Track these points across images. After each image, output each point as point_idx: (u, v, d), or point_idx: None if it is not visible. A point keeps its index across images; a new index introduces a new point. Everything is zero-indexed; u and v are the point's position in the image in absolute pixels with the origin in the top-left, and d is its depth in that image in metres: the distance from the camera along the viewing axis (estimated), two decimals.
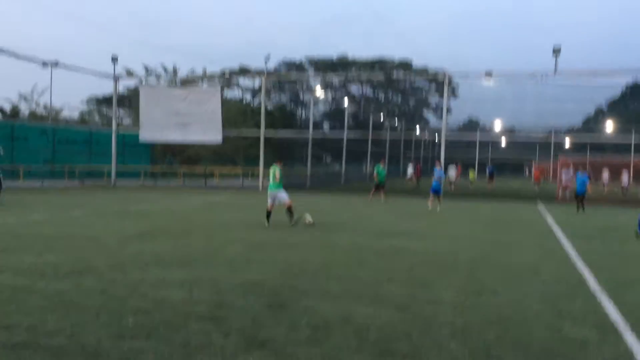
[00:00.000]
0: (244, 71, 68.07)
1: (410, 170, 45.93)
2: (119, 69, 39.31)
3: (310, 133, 43.87)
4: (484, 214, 20.28)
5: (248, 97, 77.90)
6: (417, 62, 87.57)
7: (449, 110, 50.74)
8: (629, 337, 5.45)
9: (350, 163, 52.23)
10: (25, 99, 45.81)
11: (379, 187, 24.66)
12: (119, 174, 36.59)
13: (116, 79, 36.86)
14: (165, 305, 6.17)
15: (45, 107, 43.84)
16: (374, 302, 6.52)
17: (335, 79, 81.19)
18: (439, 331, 5.47)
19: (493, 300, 6.83)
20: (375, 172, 25.35)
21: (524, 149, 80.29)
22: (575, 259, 10.12)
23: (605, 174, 40.60)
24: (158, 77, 51.06)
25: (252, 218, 15.92)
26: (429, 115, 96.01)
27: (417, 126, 78.07)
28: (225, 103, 43.14)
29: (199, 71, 54.90)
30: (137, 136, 36.36)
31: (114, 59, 34.85)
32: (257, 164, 35.19)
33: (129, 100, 52.66)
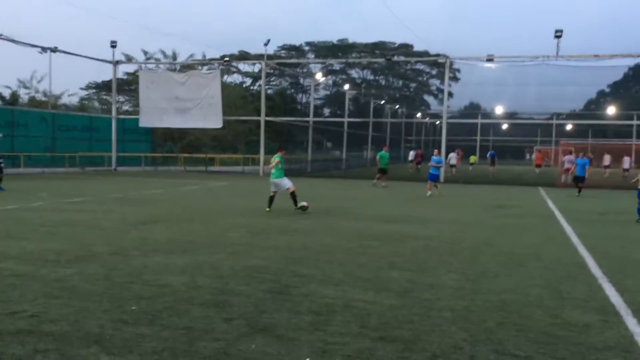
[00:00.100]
0: (243, 56, 67.79)
1: (411, 155, 45.89)
2: (118, 55, 39.14)
3: (311, 118, 43.76)
4: (485, 199, 20.28)
5: (248, 82, 77.63)
6: (418, 46, 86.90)
7: (450, 95, 50.58)
8: (630, 321, 5.47)
9: (351, 148, 52.16)
10: (24, 85, 45.70)
11: (382, 171, 24.68)
12: (120, 160, 36.59)
13: (115, 64, 36.71)
14: (167, 291, 6.19)
15: (44, 94, 43.70)
16: (375, 288, 6.54)
17: (336, 63, 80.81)
18: (440, 316, 5.49)
19: (494, 285, 6.85)
20: (377, 157, 25.35)
21: (525, 133, 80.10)
22: (576, 244, 10.14)
23: (607, 158, 40.56)
24: (157, 61, 50.79)
25: (253, 204, 15.93)
26: (430, 100, 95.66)
27: (419, 111, 77.89)
28: (225, 88, 42.96)
29: (198, 57, 54.69)
30: (137, 122, 36.30)
31: (113, 45, 34.67)
32: (258, 150, 35.15)
33: (129, 86, 52.48)
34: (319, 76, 51.39)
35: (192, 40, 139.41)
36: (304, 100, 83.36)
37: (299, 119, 48.68)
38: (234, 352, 4.42)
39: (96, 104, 58.70)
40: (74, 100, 52.85)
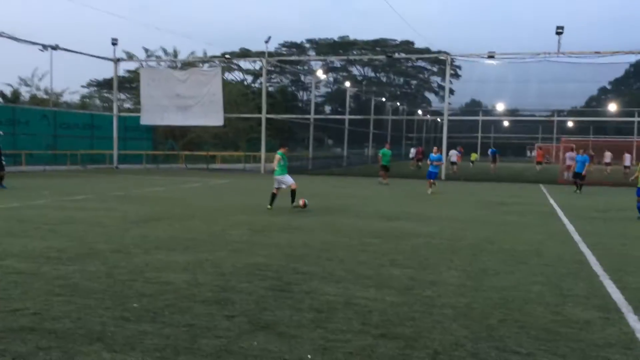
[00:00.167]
0: (244, 54, 67.73)
1: (412, 153, 45.91)
2: (120, 53, 39.13)
3: (312, 116, 43.75)
4: (486, 196, 20.28)
5: (249, 79, 77.62)
6: (419, 43, 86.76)
7: (451, 92, 50.55)
8: (631, 318, 5.48)
9: (352, 146, 52.15)
10: (25, 83, 45.68)
11: (384, 169, 24.72)
12: (121, 158, 36.61)
13: (116, 62, 36.71)
14: (169, 288, 6.21)
15: (46, 92, 43.72)
16: (377, 285, 6.55)
17: (337, 60, 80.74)
18: (441, 313, 5.50)
19: (495, 282, 6.86)
20: (379, 154, 25.37)
21: (526, 130, 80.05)
22: (577, 241, 10.14)
23: (608, 155, 40.52)
24: (158, 59, 50.77)
25: (254, 201, 15.95)
26: (431, 97, 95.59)
27: (420, 108, 77.83)
28: (226, 85, 42.96)
29: (199, 54, 54.65)
30: (138, 119, 36.30)
31: (114, 42, 34.66)
32: (259, 148, 35.15)
33: (130, 84, 52.48)
34: (320, 73, 51.32)
35: (193, 37, 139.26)
36: (305, 97, 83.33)
37: (300, 116, 48.71)
38: (235, 349, 4.43)
39: (97, 101, 58.66)
40: (75, 98, 52.87)
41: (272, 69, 69.21)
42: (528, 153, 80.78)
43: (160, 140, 45.57)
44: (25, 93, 45.92)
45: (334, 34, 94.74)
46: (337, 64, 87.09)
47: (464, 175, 32.39)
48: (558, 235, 10.83)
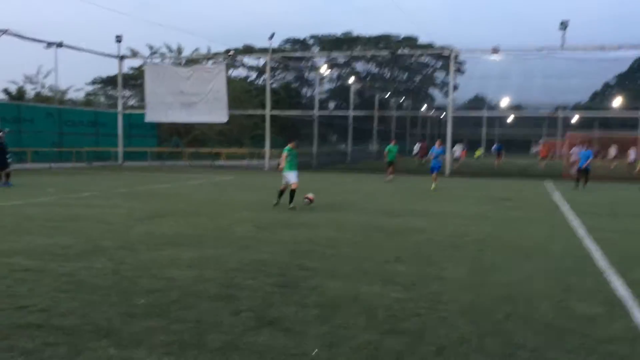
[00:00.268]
0: (248, 50, 67.71)
1: (416, 148, 45.85)
2: (124, 50, 39.18)
3: (316, 112, 43.71)
4: (491, 191, 20.25)
5: (253, 76, 77.60)
6: (423, 39, 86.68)
7: (455, 88, 50.44)
8: (636, 312, 5.48)
9: (356, 142, 52.08)
10: (30, 80, 45.76)
11: (391, 164, 24.65)
12: (126, 155, 36.68)
13: (121, 59, 36.76)
14: (175, 285, 6.23)
15: (50, 89, 43.80)
16: (382, 281, 6.56)
17: (340, 56, 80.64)
18: (446, 309, 5.51)
19: (501, 277, 6.86)
20: (385, 150, 25.29)
21: (531, 126, 79.75)
22: (583, 236, 10.13)
23: (613, 150, 40.41)
24: (162, 56, 50.81)
25: (259, 198, 15.97)
26: (435, 93, 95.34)
27: (424, 104, 77.64)
28: (230, 82, 42.90)
29: (203, 51, 54.65)
30: (143, 117, 36.37)
31: (119, 39, 34.69)
32: (263, 144, 35.15)
33: (134, 81, 52.53)
34: (324, 69, 51.18)
35: (197, 34, 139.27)
36: (309, 94, 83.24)
37: (304, 112, 48.59)
38: (241, 345, 4.45)
39: (102, 99, 58.76)
40: (80, 95, 52.99)
41: (276, 65, 69.15)
42: (532, 149, 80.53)
43: (165, 137, 45.61)
44: (30, 91, 46.01)
45: (337, 30, 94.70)
46: (341, 60, 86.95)
47: (469, 171, 32.34)
48: (563, 231, 10.81)
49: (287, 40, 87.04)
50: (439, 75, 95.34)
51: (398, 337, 4.68)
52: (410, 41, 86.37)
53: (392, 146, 25.15)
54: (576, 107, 66.40)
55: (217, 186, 21.07)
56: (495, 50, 30.11)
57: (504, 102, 57.16)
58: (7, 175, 18.74)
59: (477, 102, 79.36)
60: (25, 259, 7.44)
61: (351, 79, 58.20)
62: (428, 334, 4.79)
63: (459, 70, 66.81)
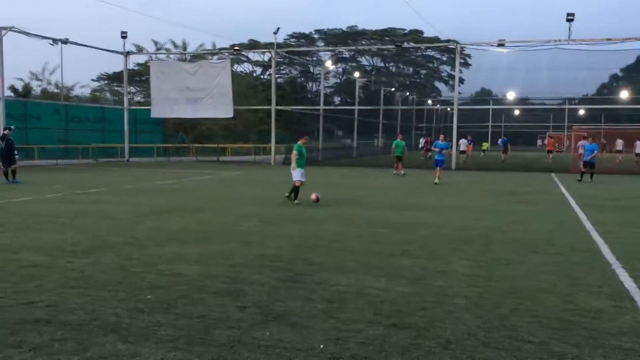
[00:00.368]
0: (253, 45, 67.67)
1: (421, 143, 45.76)
2: (129, 46, 39.22)
3: (322, 107, 43.68)
4: (497, 185, 20.20)
5: (258, 71, 77.61)
6: (429, 32, 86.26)
7: (461, 81, 50.26)
8: None
9: (362, 136, 52.05)
10: (36, 77, 45.94)
11: (398, 159, 24.54)
12: (132, 151, 36.79)
13: (126, 55, 36.82)
14: (182, 280, 6.26)
15: (57, 86, 43.95)
16: (388, 275, 6.57)
17: (345, 51, 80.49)
18: (453, 303, 5.50)
19: (507, 271, 6.85)
20: (393, 145, 25.17)
21: (537, 119, 79.44)
22: (589, 229, 10.09)
23: (619, 143, 40.19)
24: (167, 52, 50.84)
25: (265, 193, 15.99)
26: (441, 86, 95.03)
27: (430, 98, 77.43)
28: (236, 77, 42.95)
29: (208, 46, 54.67)
30: (148, 113, 36.45)
31: (124, 35, 34.74)
32: (269, 139, 35.17)
33: (140, 77, 52.62)
34: (329, 64, 51.22)
35: (202, 29, 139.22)
36: (314, 88, 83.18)
37: (309, 107, 48.63)
38: (248, 340, 4.47)
39: (108, 95, 58.94)
40: (86, 91, 53.12)
41: (281, 60, 69.16)
42: (539, 142, 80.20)
43: (171, 133, 45.71)
44: (36, 87, 46.22)
45: (342, 25, 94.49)
46: (346, 54, 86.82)
47: (475, 165, 32.26)
48: (569, 224, 10.78)
49: (292, 35, 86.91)
50: (445, 69, 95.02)
51: (404, 332, 4.69)
52: (415, 35, 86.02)
53: (399, 141, 25.00)
54: (583, 100, 65.99)
55: (223, 182, 21.11)
56: (501, 43, 29.98)
57: (510, 95, 56.92)
58: (14, 172, 18.84)
59: (484, 95, 79.11)
60: (33, 255, 7.49)
61: (356, 74, 58.10)
62: (434, 328, 4.79)
63: (465, 64, 66.59)
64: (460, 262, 7.28)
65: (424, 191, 17.58)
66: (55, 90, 43.49)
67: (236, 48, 44.25)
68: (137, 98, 53.22)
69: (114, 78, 58.61)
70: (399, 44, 48.20)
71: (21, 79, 45.53)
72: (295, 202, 13.39)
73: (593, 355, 4.25)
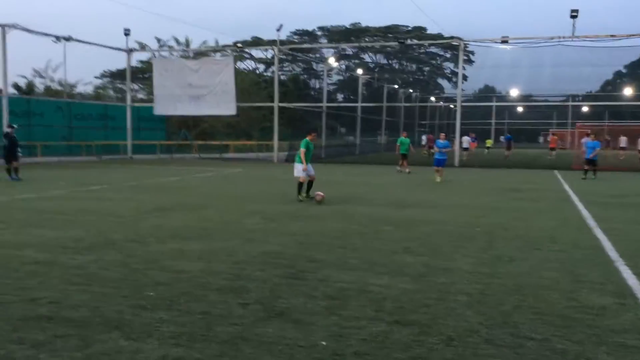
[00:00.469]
0: (256, 42, 67.65)
1: (424, 140, 45.72)
2: (132, 43, 39.27)
3: (324, 104, 43.66)
4: (500, 182, 20.16)
5: (261, 68, 77.54)
6: (432, 29, 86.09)
7: (464, 78, 50.16)
8: None
9: (365, 134, 51.99)
10: (39, 75, 45.97)
11: (403, 157, 24.44)
12: (135, 149, 36.83)
13: (129, 52, 36.83)
14: (184, 277, 6.26)
15: (60, 83, 43.99)
16: (390, 272, 6.56)
17: (348, 48, 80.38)
18: (455, 300, 5.50)
19: (510, 268, 6.84)
20: (398, 143, 25.06)
21: (541, 116, 79.26)
22: (592, 226, 10.07)
23: (623, 140, 40.07)
24: (170, 49, 50.85)
25: (268, 190, 16.00)
26: (444, 83, 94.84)
27: (433, 95, 77.27)
28: (238, 74, 42.92)
29: (211, 43, 54.62)
30: (151, 110, 36.48)
31: (127, 33, 34.75)
32: (272, 137, 35.16)
33: (143, 74, 52.64)
34: (332, 61, 51.16)
35: (205, 26, 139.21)
36: (317, 85, 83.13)
37: (312, 104, 48.58)
38: (250, 337, 4.47)
39: (111, 92, 58.97)
40: (89, 89, 53.17)
41: (284, 57, 69.07)
42: (541, 139, 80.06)
43: (174, 130, 45.73)
44: (39, 85, 46.24)
45: (345, 21, 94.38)
46: (349, 51, 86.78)
47: (477, 162, 32.21)
48: (572, 221, 10.76)
49: (295, 32, 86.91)
50: (448, 66, 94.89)
51: (406, 329, 4.69)
52: (419, 32, 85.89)
53: (403, 138, 24.87)
54: (587, 97, 65.80)
55: (226, 179, 21.12)
56: (504, 40, 29.90)
57: (514, 92, 56.79)
58: (16, 170, 18.87)
59: (487, 92, 78.94)
60: (36, 252, 7.50)
61: (359, 71, 58.01)
62: (437, 325, 4.79)
63: (469, 61, 66.40)
64: (462, 259, 7.27)
65: (427, 188, 17.56)
66: (59, 88, 43.51)
67: (239, 45, 44.25)
68: (140, 95, 53.24)
69: (117, 75, 58.68)
70: (402, 40, 48.03)
71: (24, 77, 45.59)
72: (299, 198, 13.41)
73: (596, 353, 4.24)
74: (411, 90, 69.66)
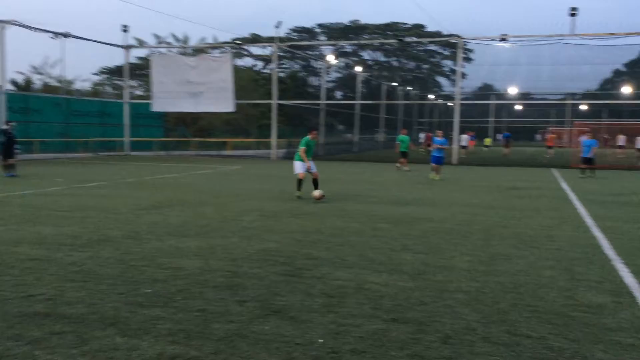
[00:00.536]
0: (255, 39, 67.56)
1: (421, 138, 45.73)
2: (130, 40, 39.14)
3: (323, 101, 43.62)
4: (498, 180, 20.17)
5: (260, 65, 77.43)
6: (431, 27, 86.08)
7: (463, 76, 50.14)
8: None
9: (363, 131, 51.96)
10: (37, 71, 45.86)
11: (403, 155, 24.34)
12: (133, 145, 36.78)
13: (127, 48, 36.76)
14: (181, 274, 6.25)
15: (57, 79, 43.88)
16: (388, 270, 6.56)
17: (347, 45, 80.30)
18: (452, 298, 5.50)
19: (507, 266, 6.84)
20: (397, 141, 24.99)
21: (539, 114, 79.27)
22: (590, 225, 10.08)
23: (621, 139, 40.12)
24: (169, 46, 50.75)
25: (265, 187, 15.98)
26: (443, 81, 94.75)
27: (431, 93, 77.25)
28: (237, 71, 42.84)
29: (209, 40, 54.54)
30: (149, 107, 36.42)
31: (125, 29, 34.67)
32: (270, 134, 35.13)
33: (141, 70, 52.56)
34: (331, 58, 51.03)
35: (203, 23, 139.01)
36: (316, 83, 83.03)
37: (310, 102, 48.46)
38: (247, 334, 4.46)
39: (109, 89, 58.84)
40: (87, 85, 53.06)
41: (283, 54, 68.91)
42: (538, 137, 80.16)
43: (172, 127, 45.68)
44: (37, 81, 46.14)
45: (344, 19, 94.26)
46: (348, 48, 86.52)
47: (475, 160, 32.23)
48: (570, 220, 10.76)
49: (294, 29, 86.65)
50: (447, 64, 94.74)
51: (404, 326, 4.68)
52: (418, 29, 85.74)
53: (403, 136, 24.77)
54: (585, 95, 65.81)
55: (224, 176, 21.10)
56: (503, 38, 29.89)
57: (512, 90, 56.78)
58: (12, 166, 18.83)
59: (485, 90, 78.92)
60: (33, 248, 7.49)
61: (358, 68, 57.95)
62: (433, 323, 4.78)
63: (467, 58, 66.36)
64: (460, 257, 7.27)
65: (425, 186, 17.56)
66: (56, 84, 43.41)
67: (238, 42, 44.17)
68: (138, 92, 53.14)
69: (115, 72, 58.47)
70: (401, 38, 47.97)
71: (22, 73, 45.48)
72: (297, 194, 13.38)
73: (592, 351, 4.24)
74: (410, 88, 69.65)
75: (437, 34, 76.00)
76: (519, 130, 77.67)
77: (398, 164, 24.52)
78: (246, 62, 73.77)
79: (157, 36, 53.65)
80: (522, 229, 9.60)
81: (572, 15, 27.48)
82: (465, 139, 37.28)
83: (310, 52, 65.38)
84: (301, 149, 13.52)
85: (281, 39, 39.89)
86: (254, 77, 58.89)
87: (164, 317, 4.82)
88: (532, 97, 68.07)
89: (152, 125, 39.34)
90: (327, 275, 6.29)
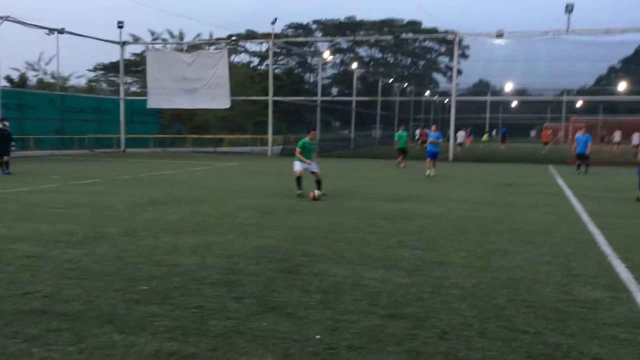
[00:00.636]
0: (251, 36, 67.39)
1: (417, 134, 45.74)
2: (125, 36, 39.05)
3: (319, 97, 43.58)
4: (495, 177, 20.21)
5: (255, 61, 77.30)
6: (427, 23, 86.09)
7: (459, 72, 50.13)
8: (639, 297, 5.47)
9: (359, 128, 51.95)
10: (32, 67, 45.69)
11: (402, 151, 24.25)
12: (129, 142, 36.69)
13: (122, 45, 36.63)
14: (178, 271, 6.25)
15: (52, 76, 43.73)
16: (385, 266, 6.57)
17: (343, 41, 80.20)
18: (449, 294, 5.51)
19: (503, 262, 6.85)
20: (395, 138, 24.90)
21: (535, 110, 79.37)
22: (586, 221, 10.11)
23: (617, 135, 40.23)
24: (164, 42, 50.62)
25: (262, 184, 15.97)
26: (439, 78, 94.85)
27: (427, 89, 77.26)
28: (233, 68, 42.77)
29: (205, 36, 54.45)
30: (145, 103, 36.31)
31: (120, 25, 34.55)
32: (266, 130, 35.10)
33: (136, 67, 52.41)
34: (327, 55, 50.95)
35: (199, 19, 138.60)
36: (312, 79, 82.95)
37: (306, 98, 48.43)
38: (244, 330, 4.46)
39: (104, 85, 58.65)
40: (82, 82, 52.87)
41: (279, 50, 68.83)
42: (532, 133, 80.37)
43: (168, 123, 45.58)
44: (32, 77, 45.98)
45: (340, 15, 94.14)
46: (344, 45, 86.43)
47: (472, 157, 32.28)
48: (566, 216, 10.79)
49: (290, 26, 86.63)
50: (443, 60, 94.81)
51: (400, 322, 4.69)
52: (414, 26, 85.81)
53: (401, 132, 24.68)
54: (581, 91, 65.98)
55: (220, 172, 21.07)
56: (499, 34, 29.89)
57: (508, 87, 56.83)
58: (6, 164, 18.76)
59: (482, 86, 79.00)
60: (29, 246, 7.47)
61: (354, 64, 57.90)
62: (430, 318, 4.79)
63: (463, 55, 66.45)
64: (457, 253, 7.28)
65: (422, 183, 17.58)
66: (51, 81, 43.26)
67: (234, 38, 44.03)
68: (134, 88, 53.02)
69: (110, 68, 58.28)
70: (397, 34, 47.96)
71: (17, 69, 45.29)
72: (297, 192, 13.34)
73: (588, 346, 4.25)
74: (406, 84, 69.63)
75: (433, 30, 76.06)
76: (515, 126, 77.76)
77: (402, 164, 24.00)
78: (242, 58, 73.69)
79: (152, 32, 53.56)
80: (519, 225, 9.62)
81: (568, 11, 27.49)
82: (461, 135, 37.30)
83: (307, 49, 65.26)
84: (296, 150, 13.54)
85: (277, 35, 39.78)
86: (250, 74, 58.76)
87: (161, 314, 4.81)
88: (528, 94, 68.17)
89: (147, 122, 39.24)
90: (324, 271, 6.29)
